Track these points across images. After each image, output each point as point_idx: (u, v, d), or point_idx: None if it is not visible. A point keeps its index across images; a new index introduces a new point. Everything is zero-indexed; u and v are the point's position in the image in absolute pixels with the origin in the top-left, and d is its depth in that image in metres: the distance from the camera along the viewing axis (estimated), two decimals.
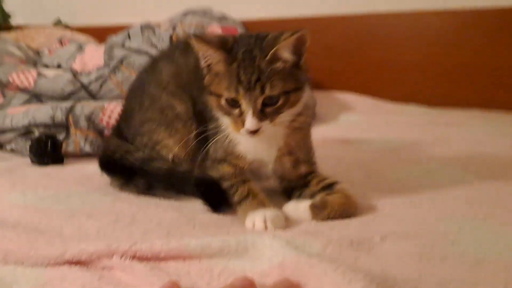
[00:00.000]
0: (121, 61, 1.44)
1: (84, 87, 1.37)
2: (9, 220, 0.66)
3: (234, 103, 0.69)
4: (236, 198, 0.72)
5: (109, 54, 1.47)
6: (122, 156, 0.83)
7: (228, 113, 0.71)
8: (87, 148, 1.11)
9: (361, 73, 1.87)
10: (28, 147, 1.05)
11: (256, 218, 0.67)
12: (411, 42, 1.79)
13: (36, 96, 1.35)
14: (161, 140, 0.84)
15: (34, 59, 1.70)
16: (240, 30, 1.73)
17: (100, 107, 1.15)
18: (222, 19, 1.80)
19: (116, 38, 1.59)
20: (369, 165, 0.99)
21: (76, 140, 1.11)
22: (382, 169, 0.96)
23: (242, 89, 0.67)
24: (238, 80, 0.67)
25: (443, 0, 1.72)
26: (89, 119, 1.13)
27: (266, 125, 0.69)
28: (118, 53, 1.47)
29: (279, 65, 0.68)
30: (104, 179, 0.87)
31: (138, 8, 2.53)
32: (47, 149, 1.00)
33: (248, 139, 0.73)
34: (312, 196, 0.75)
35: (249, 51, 0.69)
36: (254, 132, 0.69)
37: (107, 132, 1.14)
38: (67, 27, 2.76)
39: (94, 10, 2.77)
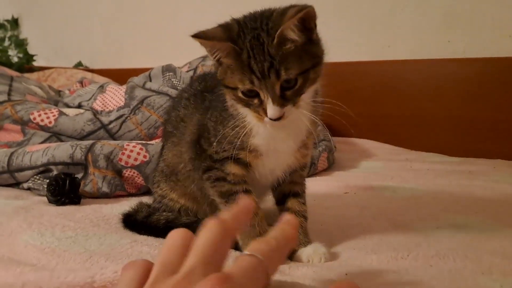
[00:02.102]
0: (141, 102, 1.44)
1: (104, 126, 1.37)
2: (26, 261, 0.63)
3: (251, 93, 0.65)
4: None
5: (130, 95, 1.48)
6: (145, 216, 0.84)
7: (247, 104, 0.66)
8: (105, 188, 1.09)
9: (380, 120, 1.86)
10: (45, 185, 1.04)
11: None
12: (431, 90, 1.78)
13: (56, 135, 1.35)
14: (166, 195, 0.85)
15: (55, 99, 1.72)
16: None
17: (120, 147, 1.14)
18: None
19: (137, 79, 1.61)
20: (395, 214, 0.95)
21: (94, 180, 1.09)
22: (408, 219, 0.92)
23: (256, 79, 0.63)
24: (251, 70, 0.63)
25: (464, 48, 1.73)
26: (108, 158, 1.12)
27: (289, 109, 0.64)
28: (139, 93, 1.48)
29: (289, 46, 0.63)
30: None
31: (156, 54, 2.58)
32: (65, 189, 0.98)
33: (268, 130, 0.68)
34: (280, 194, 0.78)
35: (257, 36, 0.63)
36: (278, 119, 0.64)
37: (125, 172, 1.12)
38: (87, 69, 2.83)
39: (114, 55, 2.84)
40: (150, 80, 1.62)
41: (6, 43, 3.07)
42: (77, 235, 0.77)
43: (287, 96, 0.64)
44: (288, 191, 0.79)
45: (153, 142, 1.28)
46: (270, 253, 0.45)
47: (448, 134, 1.73)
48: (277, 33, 0.62)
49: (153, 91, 1.51)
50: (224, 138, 0.71)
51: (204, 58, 1.91)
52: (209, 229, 0.45)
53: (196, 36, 0.64)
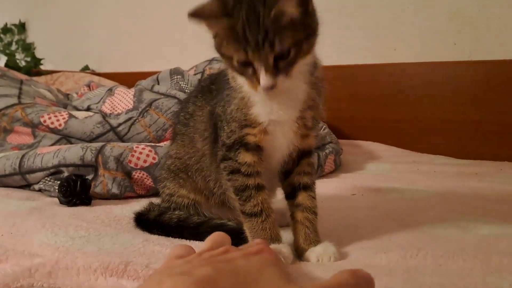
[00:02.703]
0: (149, 105, 1.46)
1: (113, 129, 1.39)
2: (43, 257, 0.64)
3: (246, 63, 0.66)
4: (247, 209, 0.72)
5: (138, 98, 1.50)
6: (157, 215, 0.85)
7: (242, 73, 0.68)
8: (115, 190, 1.10)
9: (386, 123, 1.86)
10: (56, 187, 1.05)
11: None
12: (437, 93, 1.78)
13: (65, 137, 1.36)
14: (174, 193, 0.86)
15: (64, 102, 1.74)
16: None
17: (129, 149, 1.16)
18: None
19: (145, 82, 1.63)
20: (403, 215, 0.96)
21: (104, 181, 1.10)
22: (416, 220, 0.92)
23: (250, 49, 0.64)
24: (246, 41, 0.64)
25: (470, 51, 1.73)
26: (118, 160, 1.13)
27: (282, 79, 0.66)
28: (147, 96, 1.50)
29: (285, 19, 0.64)
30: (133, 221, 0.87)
31: (162, 58, 2.61)
32: (76, 190, 1.00)
33: (265, 99, 0.70)
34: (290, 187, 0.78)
35: (252, 8, 0.63)
36: (271, 88, 0.66)
37: (134, 173, 1.14)
38: (94, 73, 2.85)
39: (120, 58, 2.87)
40: (158, 83, 1.64)
41: (13, 47, 3.11)
42: (90, 234, 0.78)
43: (279, 66, 0.65)
44: (297, 183, 0.78)
45: (161, 144, 1.30)
46: None
47: (454, 137, 1.73)
48: (276, 7, 0.62)
49: (161, 94, 1.53)
50: (231, 119, 0.73)
51: (210, 61, 1.93)
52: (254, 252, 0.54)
53: (193, 15, 0.65)
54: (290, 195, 0.79)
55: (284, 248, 0.70)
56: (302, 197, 0.77)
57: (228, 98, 0.75)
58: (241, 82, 0.71)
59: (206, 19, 0.66)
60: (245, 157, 0.73)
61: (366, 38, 1.91)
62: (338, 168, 1.50)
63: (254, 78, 0.66)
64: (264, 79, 0.65)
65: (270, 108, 0.71)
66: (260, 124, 0.72)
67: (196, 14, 0.65)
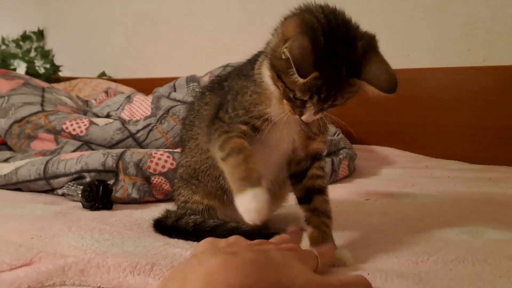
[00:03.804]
0: (167, 111, 1.50)
1: (132, 135, 1.43)
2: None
3: (302, 101, 0.68)
4: (227, 148, 0.72)
5: (156, 104, 1.54)
6: (174, 221, 0.88)
7: (288, 100, 0.69)
8: (134, 194, 1.14)
9: (400, 128, 1.87)
10: (79, 192, 1.09)
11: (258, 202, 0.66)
12: (451, 98, 1.79)
13: (86, 143, 1.41)
14: (188, 200, 0.88)
15: (84, 109, 1.79)
16: None
17: (148, 155, 1.20)
18: None
19: (162, 89, 1.67)
20: (416, 221, 0.98)
21: (125, 186, 1.14)
22: (429, 225, 0.94)
23: (316, 99, 0.66)
24: (318, 93, 0.65)
25: (484, 56, 1.74)
26: (138, 166, 1.17)
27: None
28: (165, 103, 1.54)
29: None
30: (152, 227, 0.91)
31: (178, 63, 2.65)
32: (99, 195, 1.04)
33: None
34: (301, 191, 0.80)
35: (339, 68, 0.64)
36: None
37: (153, 179, 1.17)
38: (110, 79, 2.91)
39: (136, 65, 2.91)
40: (175, 90, 1.68)
41: (32, 54, 3.18)
42: (114, 238, 0.82)
43: (324, 108, 0.69)
44: (311, 187, 0.80)
45: (178, 150, 1.33)
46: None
47: (468, 142, 1.74)
48: (359, 81, 0.66)
49: (178, 101, 1.57)
50: (240, 105, 0.75)
51: (225, 67, 1.97)
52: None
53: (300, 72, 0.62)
54: (304, 200, 0.80)
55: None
56: (317, 201, 0.78)
57: (245, 89, 0.76)
58: (271, 87, 0.72)
59: (303, 75, 0.63)
60: (243, 127, 0.74)
61: (379, 43, 1.91)
62: (352, 173, 1.52)
63: (298, 109, 0.69)
64: (309, 116, 0.68)
65: (282, 112, 0.73)
66: (268, 118, 0.74)
67: (301, 70, 0.62)
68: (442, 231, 0.90)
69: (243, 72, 0.79)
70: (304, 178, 0.80)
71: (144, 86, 2.44)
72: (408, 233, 0.89)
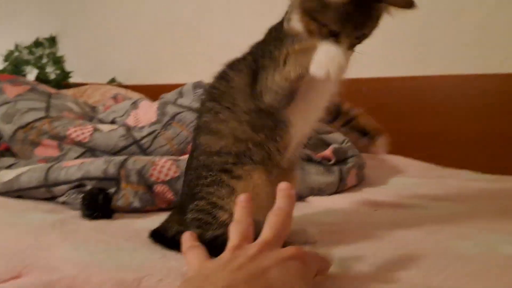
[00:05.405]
0: (173, 118, 1.48)
1: (136, 142, 1.41)
2: (62, 274, 0.65)
3: (333, 34, 0.72)
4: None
5: (162, 111, 1.52)
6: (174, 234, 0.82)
7: (322, 38, 0.72)
8: (136, 203, 1.11)
9: (412, 136, 1.83)
10: (80, 200, 1.07)
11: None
12: (465, 106, 1.75)
13: (90, 150, 1.39)
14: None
15: (90, 115, 1.78)
16: None
17: (151, 162, 1.17)
18: None
19: (169, 96, 1.65)
20: (426, 232, 0.93)
21: (126, 195, 1.12)
22: (440, 238, 0.90)
23: (349, 27, 0.71)
24: (350, 19, 0.70)
25: (500, 63, 1.69)
26: (140, 173, 1.14)
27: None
28: (171, 110, 1.52)
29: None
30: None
31: (188, 70, 2.63)
32: (98, 203, 1.01)
33: None
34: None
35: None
36: None
37: (156, 187, 1.15)
38: (120, 85, 2.91)
39: (147, 71, 2.91)
40: (182, 97, 1.66)
41: (44, 60, 3.20)
42: (110, 249, 0.79)
43: (356, 42, 0.75)
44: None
45: (183, 157, 1.31)
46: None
47: (483, 151, 1.69)
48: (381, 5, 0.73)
49: (184, 107, 1.54)
50: (287, 58, 0.75)
51: None
52: (279, 214, 0.60)
53: None
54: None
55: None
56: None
57: (280, 42, 0.77)
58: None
59: None
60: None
61: (391, 50, 1.88)
62: (361, 182, 1.48)
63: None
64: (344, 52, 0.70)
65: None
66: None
67: None
68: (455, 244, 0.85)
69: (274, 36, 0.80)
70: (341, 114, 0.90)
71: (155, 92, 2.42)
72: (419, 245, 0.85)
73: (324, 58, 0.67)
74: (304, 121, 0.82)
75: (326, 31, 0.72)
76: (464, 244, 0.85)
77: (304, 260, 0.57)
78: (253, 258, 0.54)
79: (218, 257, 0.57)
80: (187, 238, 0.66)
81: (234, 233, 0.60)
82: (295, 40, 0.75)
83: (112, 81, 3.02)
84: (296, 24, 0.75)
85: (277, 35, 0.79)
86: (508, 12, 1.67)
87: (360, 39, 0.75)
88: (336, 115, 0.89)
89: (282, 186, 0.64)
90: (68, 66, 3.14)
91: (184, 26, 2.68)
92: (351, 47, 0.74)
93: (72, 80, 3.08)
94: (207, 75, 1.90)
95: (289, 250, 0.56)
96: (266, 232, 0.59)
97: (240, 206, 0.64)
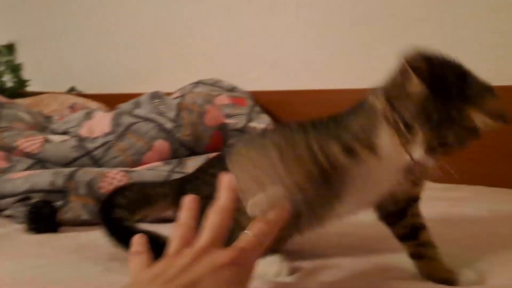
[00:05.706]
0: (127, 128, 1.46)
1: (89, 153, 1.38)
2: None
3: (408, 128, 0.64)
4: None
5: (116, 121, 1.50)
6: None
7: (397, 131, 0.66)
8: (85, 216, 1.09)
9: None
10: (24, 213, 1.04)
11: None
12: None
13: (41, 162, 1.35)
14: None
15: (43, 125, 1.74)
16: (248, 101, 1.79)
17: (102, 174, 1.15)
18: (231, 89, 1.87)
19: (125, 106, 1.63)
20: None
21: (75, 207, 1.09)
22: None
23: (426, 125, 0.62)
24: (429, 116, 0.62)
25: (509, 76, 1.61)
26: (89, 185, 1.12)
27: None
28: (126, 120, 1.50)
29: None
30: (98, 248, 0.85)
31: (151, 80, 2.60)
32: (43, 216, 0.99)
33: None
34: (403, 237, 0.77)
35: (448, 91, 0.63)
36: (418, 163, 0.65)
37: None
38: (80, 94, 2.86)
39: (108, 79, 2.87)
40: (139, 107, 1.64)
41: (1, 68, 3.11)
42: (51, 264, 0.77)
43: (436, 148, 0.65)
44: (416, 224, 0.78)
45: (137, 168, 1.29)
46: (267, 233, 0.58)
47: (500, 166, 1.52)
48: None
49: (140, 117, 1.52)
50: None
51: (196, 84, 1.95)
52: (219, 211, 0.59)
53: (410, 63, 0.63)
54: (410, 236, 0.78)
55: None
56: (425, 236, 0.77)
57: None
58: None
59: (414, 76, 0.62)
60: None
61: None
62: None
63: (405, 141, 0.65)
64: (419, 154, 0.64)
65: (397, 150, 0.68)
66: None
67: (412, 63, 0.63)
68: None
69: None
70: (406, 217, 0.78)
71: (116, 101, 2.37)
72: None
73: None
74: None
75: (400, 121, 0.64)
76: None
77: (239, 263, 0.55)
78: (186, 268, 0.53)
79: (156, 264, 0.56)
80: (135, 242, 0.64)
81: (174, 237, 0.59)
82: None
83: (71, 90, 2.96)
84: (379, 105, 0.69)
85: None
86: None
87: (444, 147, 0.64)
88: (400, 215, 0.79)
89: (224, 177, 0.61)
90: (27, 75, 3.05)
91: (152, 33, 2.64)
92: (431, 151, 0.64)
93: (31, 88, 3.00)
94: (168, 87, 1.87)
95: (224, 255, 0.55)
96: (204, 235, 0.57)
97: (185, 208, 0.63)
